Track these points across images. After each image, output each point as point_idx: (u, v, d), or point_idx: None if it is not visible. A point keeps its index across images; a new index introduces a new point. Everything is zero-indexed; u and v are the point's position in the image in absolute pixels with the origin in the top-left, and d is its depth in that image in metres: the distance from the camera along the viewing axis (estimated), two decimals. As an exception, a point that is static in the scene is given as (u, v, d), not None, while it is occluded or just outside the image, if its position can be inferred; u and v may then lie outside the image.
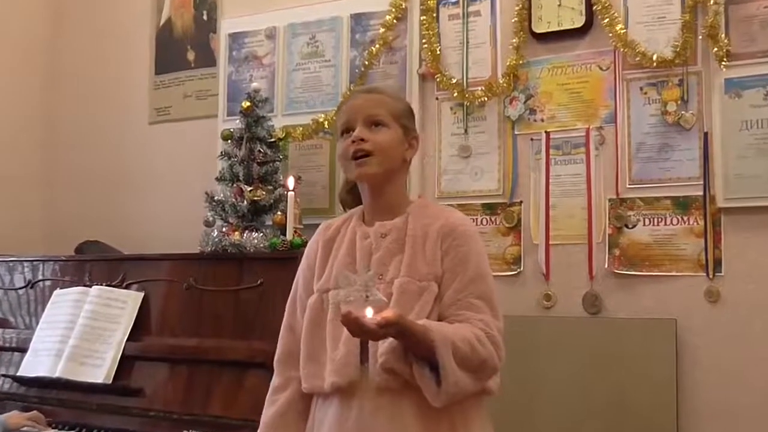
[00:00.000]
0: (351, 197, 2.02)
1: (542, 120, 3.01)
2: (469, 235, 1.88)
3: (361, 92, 2.01)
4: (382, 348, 1.76)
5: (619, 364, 2.72)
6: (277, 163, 3.19)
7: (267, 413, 1.95)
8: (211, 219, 3.13)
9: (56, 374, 2.92)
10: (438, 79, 3.15)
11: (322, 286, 1.90)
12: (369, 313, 1.65)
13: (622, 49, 2.85)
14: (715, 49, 2.71)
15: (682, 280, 2.75)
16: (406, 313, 1.74)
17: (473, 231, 1.91)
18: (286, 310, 2.01)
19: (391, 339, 1.72)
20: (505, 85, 3.04)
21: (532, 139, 3.01)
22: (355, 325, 1.65)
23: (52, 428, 2.83)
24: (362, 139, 1.87)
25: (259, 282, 2.79)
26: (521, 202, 3.01)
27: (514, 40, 3.02)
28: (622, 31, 2.85)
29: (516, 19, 3.02)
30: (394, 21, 3.23)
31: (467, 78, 3.13)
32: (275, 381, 1.98)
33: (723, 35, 2.70)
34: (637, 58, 2.82)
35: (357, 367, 1.79)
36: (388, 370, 1.75)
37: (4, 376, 3.09)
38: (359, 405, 1.79)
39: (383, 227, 1.90)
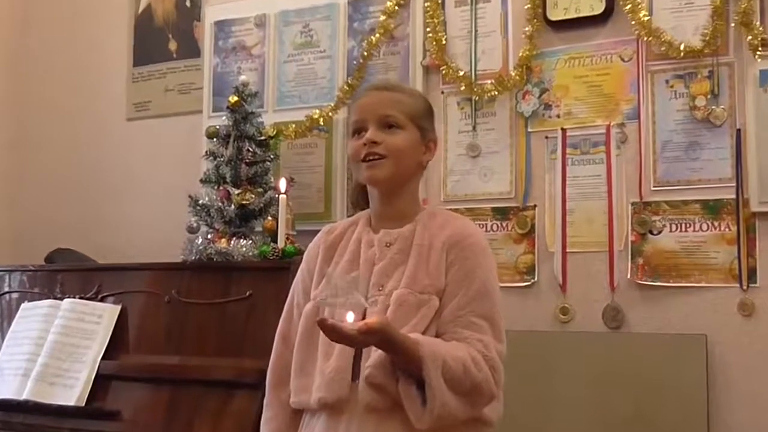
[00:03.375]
0: (363, 200, 2.03)
1: (558, 116, 3.00)
2: (477, 247, 1.88)
3: (375, 89, 2.01)
4: (369, 361, 1.77)
5: (643, 385, 2.71)
6: (268, 163, 3.19)
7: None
8: (195, 225, 3.12)
9: (24, 396, 2.90)
10: (444, 72, 3.14)
11: (318, 294, 1.90)
12: (350, 318, 1.67)
13: (645, 38, 2.85)
14: (749, 37, 2.70)
15: (713, 292, 2.74)
16: (400, 327, 1.75)
17: (483, 243, 1.91)
18: (282, 317, 2.02)
19: (380, 352, 1.74)
20: (517, 77, 3.03)
21: (546, 137, 3.01)
22: (331, 331, 1.67)
23: (20, 455, 2.82)
24: (375, 142, 1.88)
25: (247, 294, 2.78)
26: (535, 206, 3.01)
27: (527, 29, 3.02)
28: (646, 18, 2.84)
29: (529, 5, 3.02)
30: (396, 7, 3.23)
31: (476, 70, 3.12)
32: (267, 397, 2.00)
33: (757, 22, 2.70)
34: (663, 48, 2.82)
35: (347, 383, 1.79)
36: (373, 385, 1.76)
37: (-34, 397, 3.08)
38: (347, 424, 1.79)
39: (389, 236, 1.91)
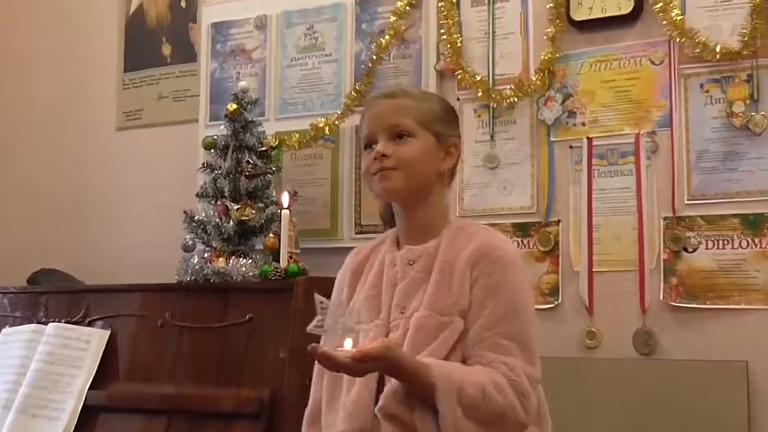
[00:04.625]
0: (393, 217, 2.03)
1: (583, 124, 3.00)
2: (506, 260, 1.87)
3: (382, 97, 2.01)
4: (384, 390, 1.76)
5: (677, 416, 2.69)
6: (269, 176, 3.20)
7: None
8: (190, 243, 3.12)
9: (4, 430, 2.90)
10: (459, 77, 3.15)
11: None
12: (347, 344, 1.66)
13: (678, 39, 2.84)
14: (791, 38, 2.71)
15: (754, 315, 2.72)
16: (418, 352, 1.75)
17: (513, 256, 1.90)
18: None
19: (394, 380, 1.73)
20: (538, 82, 3.03)
21: (571, 147, 3.01)
22: (325, 360, 1.67)
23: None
24: (384, 155, 1.89)
25: (247, 317, 2.78)
26: (559, 221, 3.00)
27: (549, 30, 3.02)
28: (679, 18, 2.83)
29: (552, 4, 3.02)
30: (407, 8, 3.24)
31: (494, 75, 3.12)
32: None
33: (800, 21, 2.71)
34: (697, 50, 2.81)
35: (369, 415, 1.79)
36: (388, 416, 1.75)
37: (-57, 430, 3.09)
38: None
39: (411, 253, 1.91)
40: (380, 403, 1.76)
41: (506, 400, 1.74)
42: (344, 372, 1.72)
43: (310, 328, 1.69)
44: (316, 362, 1.97)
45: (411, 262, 1.89)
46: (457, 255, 1.86)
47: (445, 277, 1.85)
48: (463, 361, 1.80)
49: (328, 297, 1.72)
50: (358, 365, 1.66)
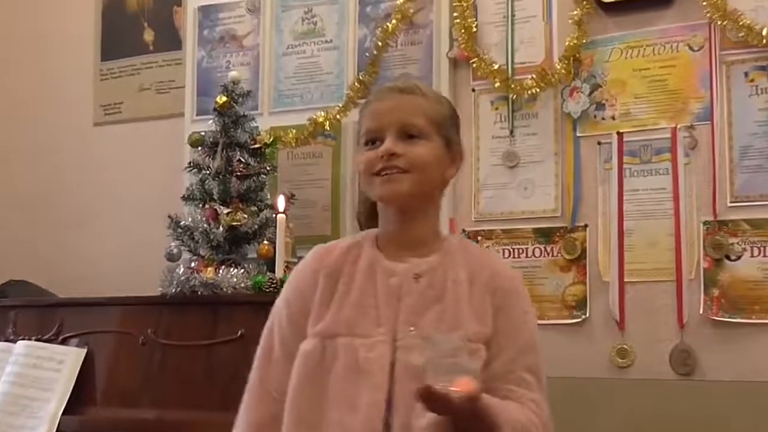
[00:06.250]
0: (374, 219, 2.02)
1: (613, 117, 3.00)
2: (522, 292, 1.95)
3: (394, 92, 1.99)
4: (420, 421, 1.75)
5: (720, 443, 2.70)
6: (263, 176, 3.19)
7: None
8: (175, 251, 3.12)
9: (-30, 458, 2.91)
10: (475, 65, 3.15)
11: (325, 330, 1.90)
12: (456, 382, 1.67)
13: (720, 22, 2.84)
14: None
15: (805, 330, 2.73)
16: None
17: (522, 285, 1.98)
18: (258, 360, 1.99)
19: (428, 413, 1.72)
20: (563, 71, 3.04)
21: (599, 143, 3.01)
22: (435, 401, 1.65)
23: None
24: (394, 154, 1.88)
25: (239, 334, 2.78)
26: (586, 226, 3.01)
27: (575, 12, 3.02)
28: (720, -1, 2.85)
29: (577, -16, 3.03)
30: (417, -11, 3.25)
31: (513, 63, 3.13)
32: None
33: None
34: (741, 34, 2.82)
35: None
36: None
37: None
38: None
39: (417, 266, 1.90)
40: None
41: None
42: (445, 412, 1.70)
43: (425, 364, 1.70)
44: (257, 371, 1.97)
45: (417, 277, 1.89)
46: (472, 278, 1.90)
47: (462, 300, 1.87)
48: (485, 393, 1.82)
49: None
50: (463, 405, 1.65)
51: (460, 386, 1.65)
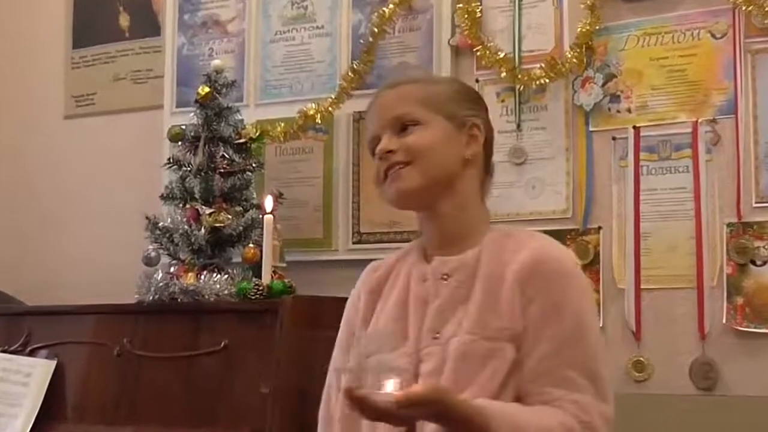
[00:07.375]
0: None
1: (629, 110, 3.00)
2: (564, 272, 1.84)
3: (384, 89, 2.01)
4: None
5: (745, 464, 2.70)
6: (249, 174, 3.20)
7: None
8: (153, 255, 3.12)
9: (-71, 480, 2.90)
10: (479, 53, 3.15)
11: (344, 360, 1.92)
12: (389, 386, 1.62)
13: (744, 8, 2.84)
14: None
15: (837, 341, 2.73)
16: (464, 388, 1.73)
17: (572, 267, 1.88)
18: (323, 395, 1.99)
19: (434, 427, 1.69)
20: (574, 60, 3.03)
21: (614, 138, 3.01)
22: (362, 406, 1.61)
23: None
24: (389, 151, 1.87)
25: (222, 345, 2.79)
26: (599, 228, 3.01)
27: (587, -4, 3.03)
28: (745, -18, 2.85)
29: (590, -35, 3.03)
30: (416, -30, 3.25)
31: (520, 51, 3.13)
32: None
33: None
34: (767, 20, 2.81)
35: None
36: None
37: None
38: None
39: (445, 265, 1.88)
40: None
41: None
42: (385, 420, 1.66)
43: (339, 368, 1.69)
44: (321, 407, 1.97)
45: (445, 276, 1.86)
46: (504, 268, 1.83)
47: (491, 295, 1.82)
48: (518, 400, 1.77)
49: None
50: (405, 411, 1.59)
51: (393, 389, 1.59)
